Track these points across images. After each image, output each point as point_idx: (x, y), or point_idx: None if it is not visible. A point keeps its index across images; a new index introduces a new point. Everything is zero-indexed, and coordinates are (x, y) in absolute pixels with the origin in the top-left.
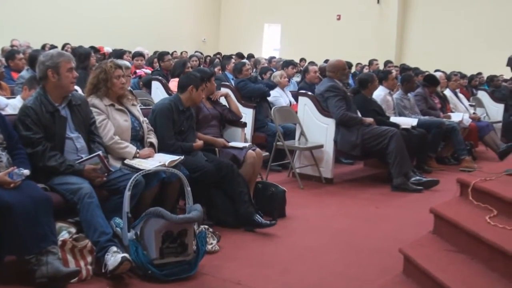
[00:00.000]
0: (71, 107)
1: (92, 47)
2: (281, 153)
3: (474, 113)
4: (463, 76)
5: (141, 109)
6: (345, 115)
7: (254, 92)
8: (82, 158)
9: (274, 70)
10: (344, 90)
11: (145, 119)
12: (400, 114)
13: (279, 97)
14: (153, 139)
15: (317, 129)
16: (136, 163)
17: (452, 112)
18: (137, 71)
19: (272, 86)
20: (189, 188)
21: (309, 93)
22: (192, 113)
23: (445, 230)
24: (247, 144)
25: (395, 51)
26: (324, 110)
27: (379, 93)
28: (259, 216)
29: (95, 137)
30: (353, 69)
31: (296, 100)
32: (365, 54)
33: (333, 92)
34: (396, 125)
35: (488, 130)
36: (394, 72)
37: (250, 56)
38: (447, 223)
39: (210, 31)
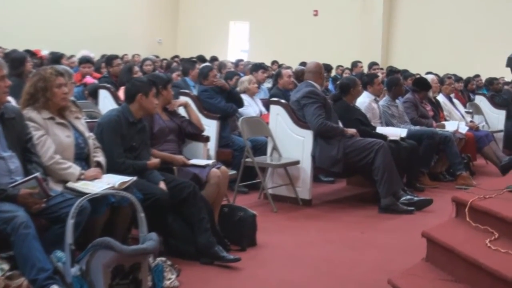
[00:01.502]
0: (3, 121)
1: (27, 51)
2: (251, 171)
3: (471, 121)
4: (458, 79)
5: (86, 122)
6: (324, 125)
7: (217, 110)
8: (16, 181)
9: (242, 74)
10: (323, 96)
11: (91, 134)
12: (388, 124)
13: (248, 106)
14: (100, 157)
15: (292, 142)
16: (81, 186)
17: (446, 120)
18: (85, 81)
19: (240, 102)
20: (142, 214)
21: (283, 101)
22: (145, 125)
23: (440, 256)
24: (210, 162)
25: (380, 51)
26: (300, 120)
27: (363, 100)
28: (220, 248)
29: (32, 156)
30: (333, 73)
31: (267, 109)
32: (347, 55)
33: (311, 99)
34: (382, 137)
35: (487, 140)
36: (380, 76)
37: (214, 59)
38: (442, 249)
39: (166, 31)
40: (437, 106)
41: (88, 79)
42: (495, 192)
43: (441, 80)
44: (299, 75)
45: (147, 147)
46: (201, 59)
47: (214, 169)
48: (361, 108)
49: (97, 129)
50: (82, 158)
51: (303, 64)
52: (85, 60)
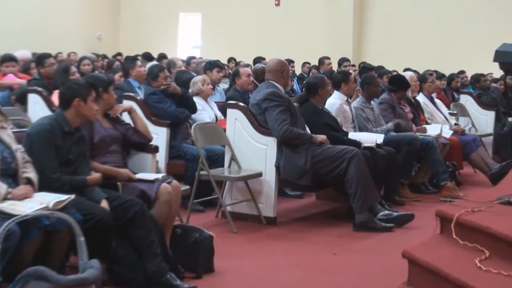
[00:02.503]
0: None
1: None
2: (206, 186)
3: (456, 124)
4: (440, 76)
5: (13, 133)
6: (289, 132)
7: (167, 116)
8: None
9: (195, 74)
10: (288, 98)
11: (20, 146)
12: (361, 129)
13: (202, 110)
14: (30, 173)
15: (253, 151)
16: (8, 206)
17: (427, 123)
18: (5, 79)
19: (193, 106)
20: (82, 238)
21: (241, 104)
22: (84, 135)
23: (424, 279)
24: (159, 176)
25: (352, 46)
26: (261, 126)
27: (334, 102)
28: (173, 275)
29: None
30: (298, 70)
31: (224, 114)
32: (314, 51)
33: (274, 102)
34: (356, 144)
35: (475, 145)
36: (352, 73)
37: (162, 57)
38: (425, 271)
39: (107, 25)
40: (417, 107)
41: (9, 78)
42: (484, 204)
43: (421, 78)
44: (259, 74)
45: (87, 160)
46: (147, 57)
47: (164, 184)
48: (331, 111)
49: (27, 140)
50: (9, 174)
51: (257, 59)
52: (8, 58)
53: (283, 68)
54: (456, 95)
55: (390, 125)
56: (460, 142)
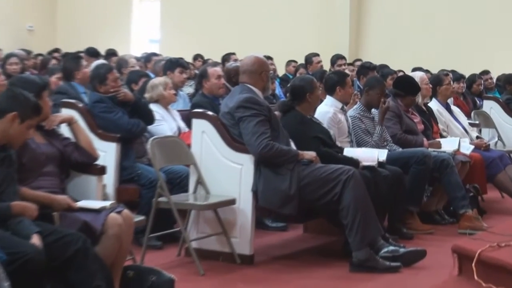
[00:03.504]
0: None
1: None
2: (166, 215)
3: (478, 137)
4: (458, 77)
5: None
6: (270, 148)
7: (117, 129)
8: None
9: (153, 76)
10: (268, 106)
11: None
12: (360, 143)
13: (161, 121)
14: None
15: (225, 172)
16: None
17: (442, 136)
18: None
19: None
20: (7, 284)
21: (210, 112)
22: (11, 154)
23: None
24: (107, 203)
25: (348, 41)
26: (235, 140)
27: (326, 110)
28: None
29: None
30: (281, 70)
31: (189, 125)
32: (302, 46)
33: (251, 110)
34: (353, 162)
35: (502, 164)
36: (349, 74)
37: (111, 54)
38: None
39: (40, 14)
40: (429, 116)
41: None
42: None
43: (435, 80)
44: (232, 76)
45: (13, 184)
46: (92, 53)
47: (113, 215)
48: (322, 122)
49: None
50: None
51: (227, 56)
52: None
53: (262, 68)
54: (478, 101)
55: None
56: (483, 160)
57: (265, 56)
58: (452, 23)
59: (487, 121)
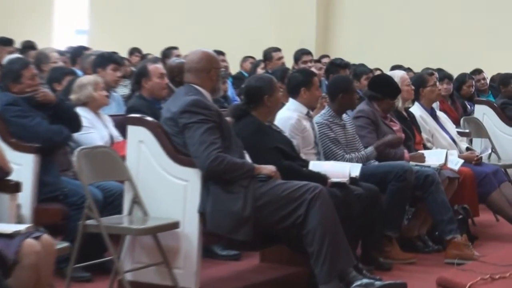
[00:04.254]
0: None
1: None
2: (96, 241)
3: (469, 148)
4: (445, 76)
5: None
6: (221, 161)
7: (35, 137)
8: None
9: (80, 73)
10: (218, 110)
11: None
12: (328, 155)
13: (89, 128)
14: None
15: (167, 190)
16: None
17: (426, 148)
18: None
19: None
20: None
21: (149, 118)
22: None
23: None
24: (22, 227)
25: (314, 33)
26: (178, 151)
27: (288, 115)
28: None
29: None
30: (235, 68)
31: (123, 133)
32: (261, 40)
33: (198, 115)
34: (320, 178)
35: (496, 181)
36: (316, 73)
37: (29, 46)
38: None
39: None
40: (410, 124)
41: None
42: (509, 268)
43: (418, 80)
44: (176, 74)
45: None
46: (5, 42)
47: (29, 241)
48: (283, 130)
49: None
50: None
51: (168, 51)
52: None
53: (211, 65)
54: (469, 106)
55: (369, 150)
56: (474, 176)
57: (215, 51)
58: (438, 14)
59: (479, 130)
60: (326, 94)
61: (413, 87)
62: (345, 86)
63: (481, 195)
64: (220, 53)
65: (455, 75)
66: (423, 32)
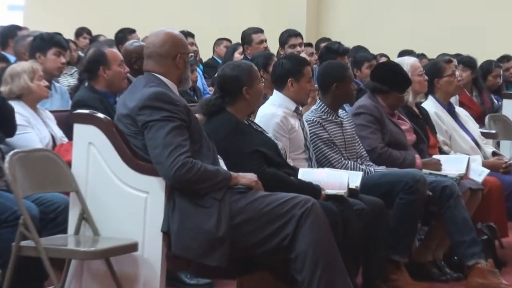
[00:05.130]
0: None
1: None
2: (34, 266)
3: (495, 153)
4: (466, 62)
5: None
6: (190, 168)
7: None
8: None
9: (13, 59)
10: (186, 105)
11: None
12: (322, 161)
13: (26, 127)
14: None
15: (123, 204)
16: None
17: (442, 152)
18: None
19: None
20: None
21: (101, 115)
22: None
23: None
24: None
25: (305, 12)
26: (137, 156)
27: (272, 112)
28: None
29: None
30: (207, 53)
31: (69, 133)
32: (238, 20)
33: (161, 111)
34: (312, 189)
35: None
36: (308, 60)
37: None
38: None
39: None
40: (423, 122)
41: None
42: None
43: (432, 68)
44: (134, 61)
45: None
46: None
47: None
48: (266, 130)
49: None
50: None
51: (122, 33)
52: None
53: (177, 50)
54: (496, 100)
55: (381, 169)
56: (502, 188)
57: (182, 32)
58: None
59: (508, 130)
60: (317, 86)
61: (426, 78)
62: (338, 74)
63: (511, 211)
64: (189, 34)
65: (478, 63)
66: (439, 10)
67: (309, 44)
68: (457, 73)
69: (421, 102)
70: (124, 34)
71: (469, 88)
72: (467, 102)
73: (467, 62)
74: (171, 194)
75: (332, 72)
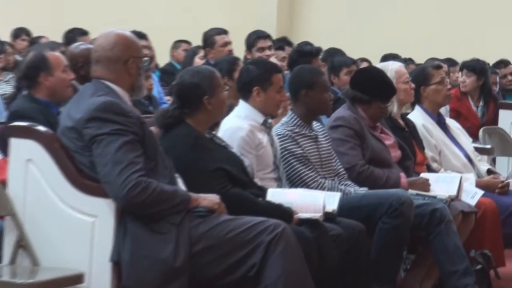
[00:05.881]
0: None
1: None
2: None
3: (491, 171)
4: (472, 67)
5: None
6: (144, 188)
7: None
8: None
9: None
10: (139, 116)
11: None
12: (294, 181)
13: None
14: None
15: (67, 229)
16: None
17: (431, 170)
18: None
19: None
20: None
21: (42, 127)
22: None
23: None
24: None
25: (275, 11)
26: (83, 175)
27: (237, 125)
28: None
29: None
30: (164, 58)
31: (4, 148)
32: (199, 19)
33: (111, 123)
34: (283, 213)
35: None
36: (279, 65)
37: None
38: None
39: None
40: (409, 136)
41: None
42: None
43: (419, 75)
44: (80, 66)
45: None
46: None
47: None
48: (230, 144)
49: None
50: None
51: (71, 35)
52: None
53: (128, 53)
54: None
55: (362, 190)
56: (498, 211)
57: (134, 33)
58: None
59: (506, 145)
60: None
61: (413, 86)
62: (307, 78)
63: (508, 237)
64: (142, 36)
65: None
66: (428, 9)
67: (280, 48)
68: (447, 80)
69: (407, 113)
70: (74, 35)
71: (476, 96)
72: (465, 112)
73: (471, 66)
74: (122, 218)
75: (301, 77)
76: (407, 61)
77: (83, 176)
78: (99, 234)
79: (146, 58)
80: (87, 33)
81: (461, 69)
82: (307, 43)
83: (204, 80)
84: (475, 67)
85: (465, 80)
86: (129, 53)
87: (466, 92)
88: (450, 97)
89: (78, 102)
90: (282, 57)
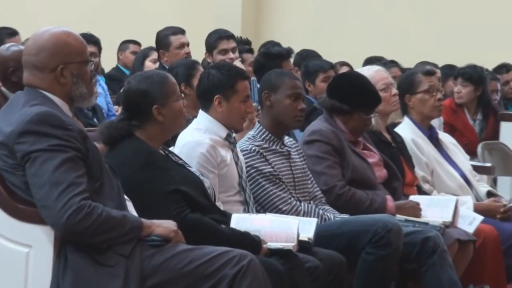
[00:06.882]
0: None
1: None
2: None
3: (491, 193)
4: (468, 75)
5: None
6: (88, 214)
7: None
8: None
9: None
10: (80, 130)
11: None
12: (263, 204)
13: None
14: None
15: None
16: None
17: (422, 192)
18: None
19: None
20: None
21: None
22: None
23: None
24: None
25: (241, 8)
26: (16, 198)
27: (196, 139)
28: None
29: None
30: (110, 61)
31: None
32: (152, 17)
33: (47, 138)
34: (250, 242)
35: None
36: (244, 70)
37: None
38: None
39: None
40: (397, 153)
41: None
42: None
43: (405, 82)
44: (12, 71)
45: None
46: None
47: None
48: (188, 163)
49: None
50: None
51: (2, 34)
52: None
53: (57, 60)
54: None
55: (343, 215)
56: (500, 240)
57: (84, 35)
58: None
59: (509, 162)
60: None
61: (395, 92)
62: (270, 81)
63: (510, 268)
64: (87, 36)
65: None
66: (419, 5)
67: (249, 50)
68: (439, 87)
69: (396, 125)
70: (1, 36)
71: (473, 108)
72: (460, 127)
73: (467, 74)
74: (61, 249)
75: (265, 80)
76: (388, 64)
77: (15, 199)
78: (34, 267)
79: (90, 62)
80: (17, 33)
81: (455, 78)
82: (274, 44)
83: (154, 86)
84: (472, 75)
85: (461, 90)
86: (59, 59)
87: (462, 104)
88: (440, 108)
89: (8, 113)
90: (250, 62)
